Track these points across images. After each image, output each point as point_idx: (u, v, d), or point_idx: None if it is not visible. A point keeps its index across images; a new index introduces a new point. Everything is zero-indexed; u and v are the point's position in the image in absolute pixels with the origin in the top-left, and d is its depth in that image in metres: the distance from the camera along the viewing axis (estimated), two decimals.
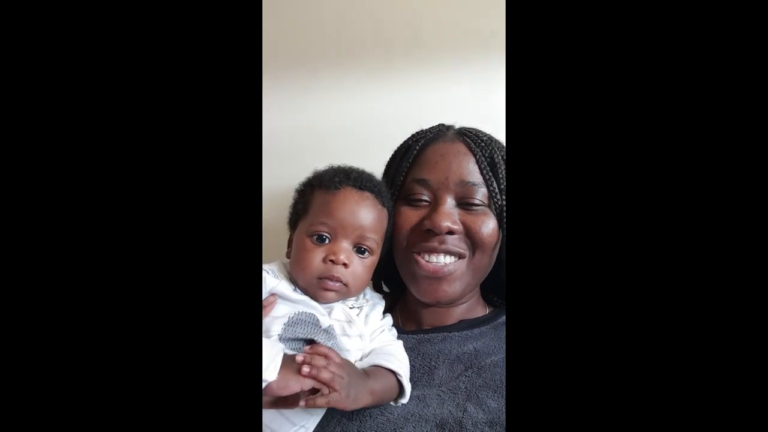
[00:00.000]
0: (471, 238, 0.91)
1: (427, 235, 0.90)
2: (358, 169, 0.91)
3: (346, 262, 0.82)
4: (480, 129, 0.99)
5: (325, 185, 0.87)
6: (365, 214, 0.85)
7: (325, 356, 0.72)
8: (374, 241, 0.86)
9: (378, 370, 0.80)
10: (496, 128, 0.97)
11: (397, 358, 0.84)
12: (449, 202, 0.91)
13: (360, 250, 0.85)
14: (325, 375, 0.68)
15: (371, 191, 0.88)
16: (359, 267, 0.85)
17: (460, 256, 0.92)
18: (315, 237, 0.83)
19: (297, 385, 0.68)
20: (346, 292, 0.85)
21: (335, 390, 0.69)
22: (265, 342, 0.71)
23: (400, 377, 0.81)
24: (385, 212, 0.90)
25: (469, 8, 1.26)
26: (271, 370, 0.66)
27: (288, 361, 0.69)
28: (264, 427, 0.75)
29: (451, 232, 0.89)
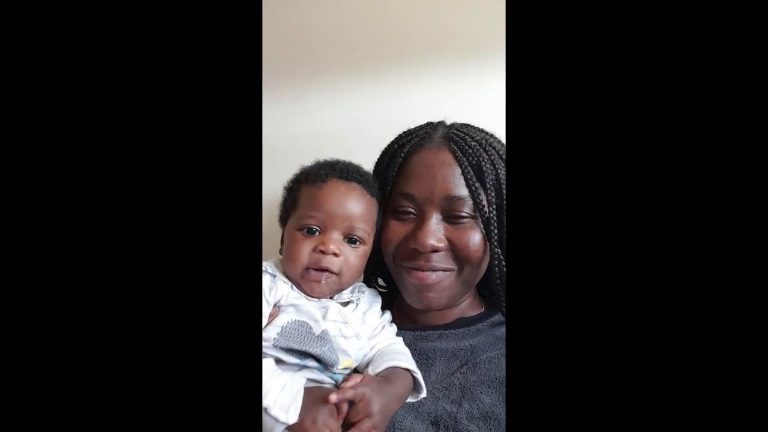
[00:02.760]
0: (458, 253, 0.89)
1: (413, 252, 0.89)
2: (344, 161, 0.91)
3: (336, 251, 0.82)
4: (472, 126, 0.97)
5: (312, 179, 0.87)
6: (353, 205, 0.85)
7: (356, 397, 0.72)
8: (364, 230, 0.85)
9: (395, 371, 0.80)
10: (495, 129, 0.97)
11: (406, 355, 0.84)
12: (434, 218, 0.88)
13: (351, 240, 0.85)
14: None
15: (358, 181, 0.88)
16: (351, 256, 0.84)
17: (448, 271, 0.91)
18: (305, 230, 0.83)
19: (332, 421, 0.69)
20: (338, 282, 0.84)
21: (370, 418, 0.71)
22: (280, 375, 0.71)
23: (415, 374, 0.81)
24: (374, 201, 0.89)
25: (468, 10, 1.27)
26: (292, 411, 0.67)
27: (311, 398, 0.70)
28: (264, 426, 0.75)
29: (436, 251, 0.88)
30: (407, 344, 0.90)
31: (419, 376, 0.81)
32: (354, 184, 0.87)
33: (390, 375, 0.79)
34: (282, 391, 0.68)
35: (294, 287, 0.83)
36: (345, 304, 0.87)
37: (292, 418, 0.66)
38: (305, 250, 0.82)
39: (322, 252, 0.81)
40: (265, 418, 0.66)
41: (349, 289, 0.90)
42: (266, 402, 0.66)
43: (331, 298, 0.86)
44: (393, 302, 1.04)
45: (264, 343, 0.76)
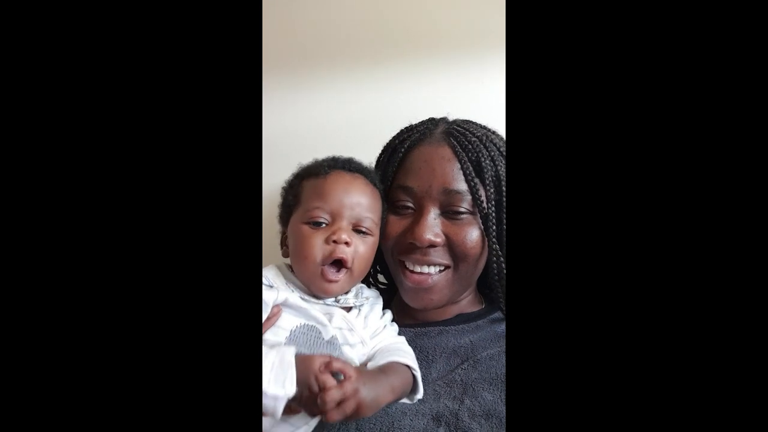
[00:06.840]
0: (454, 249, 0.89)
1: (410, 246, 0.89)
2: (344, 156, 0.91)
3: (348, 240, 0.79)
4: (474, 122, 0.97)
5: (314, 173, 0.86)
6: (359, 194, 0.84)
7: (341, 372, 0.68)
8: (372, 221, 0.84)
9: (393, 365, 0.78)
10: (495, 125, 0.97)
11: (408, 353, 0.83)
12: (432, 213, 0.88)
13: (359, 231, 0.83)
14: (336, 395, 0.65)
15: (361, 172, 0.88)
16: (362, 246, 0.82)
17: (445, 267, 0.91)
18: (312, 223, 0.81)
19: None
20: (350, 278, 0.82)
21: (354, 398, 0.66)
22: (266, 355, 0.67)
23: (414, 371, 0.80)
24: (377, 193, 0.89)
25: (468, 6, 1.27)
26: (288, 383, 0.64)
27: (301, 367, 0.66)
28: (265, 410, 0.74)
29: (432, 245, 0.88)
30: (408, 341, 0.89)
31: (418, 374, 0.80)
32: (357, 175, 0.87)
33: (387, 367, 0.78)
34: (273, 370, 0.65)
35: (296, 291, 0.81)
36: (348, 309, 0.86)
37: (291, 390, 0.63)
38: (317, 243, 0.79)
39: (335, 242, 0.79)
40: (264, 402, 0.64)
41: (353, 292, 0.88)
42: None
43: (336, 300, 0.85)
44: (392, 298, 1.04)
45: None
